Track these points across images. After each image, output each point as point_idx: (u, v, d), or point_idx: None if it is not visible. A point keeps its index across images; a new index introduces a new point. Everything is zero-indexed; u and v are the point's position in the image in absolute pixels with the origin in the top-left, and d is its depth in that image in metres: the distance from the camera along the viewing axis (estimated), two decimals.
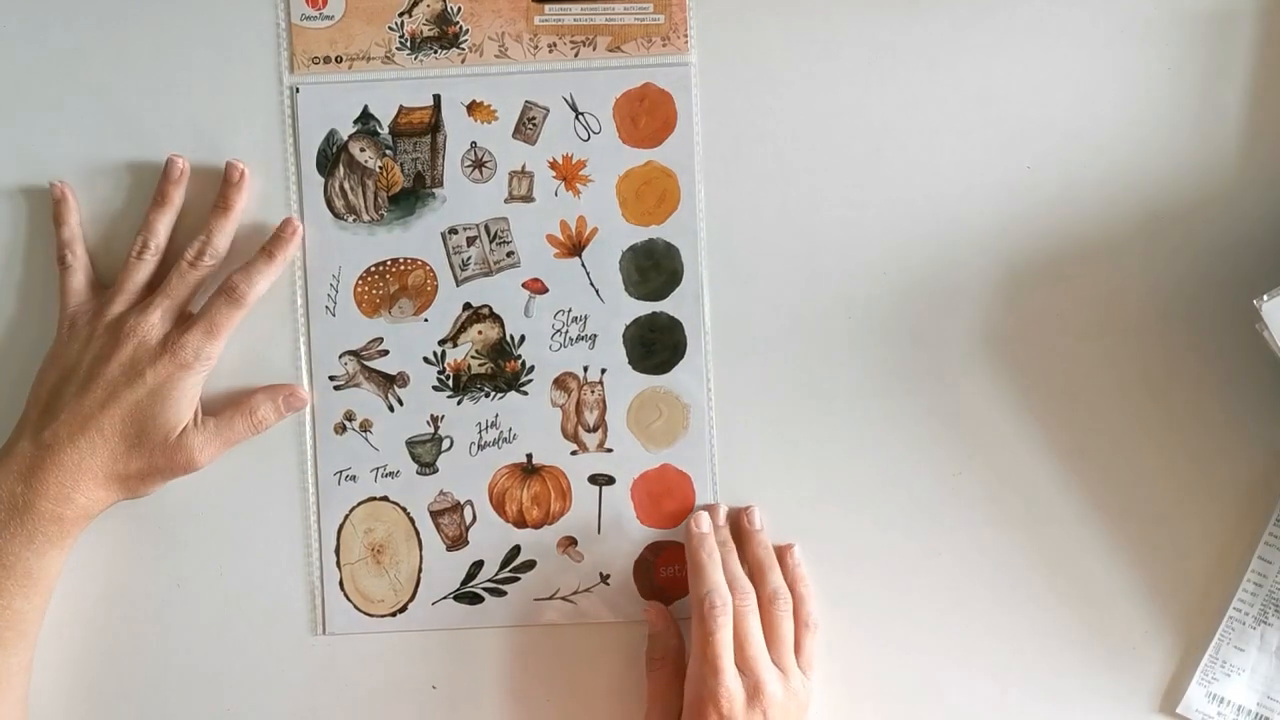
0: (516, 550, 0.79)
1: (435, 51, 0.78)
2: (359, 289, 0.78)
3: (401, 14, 0.78)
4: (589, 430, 0.79)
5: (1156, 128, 0.77)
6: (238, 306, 0.75)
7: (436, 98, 0.78)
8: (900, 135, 0.78)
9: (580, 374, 0.79)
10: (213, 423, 0.76)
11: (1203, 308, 0.78)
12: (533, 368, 0.79)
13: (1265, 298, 0.71)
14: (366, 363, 0.78)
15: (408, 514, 0.79)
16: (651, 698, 0.76)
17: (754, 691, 0.72)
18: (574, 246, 0.78)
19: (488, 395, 0.79)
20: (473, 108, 0.78)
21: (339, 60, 0.78)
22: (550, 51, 0.78)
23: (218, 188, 0.77)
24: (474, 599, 0.79)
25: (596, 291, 0.78)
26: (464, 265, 0.78)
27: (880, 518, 0.78)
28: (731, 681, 0.72)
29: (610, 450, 0.79)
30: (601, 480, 0.79)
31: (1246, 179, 0.77)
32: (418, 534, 0.79)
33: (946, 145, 0.78)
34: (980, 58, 0.78)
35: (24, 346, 0.78)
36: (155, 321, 0.74)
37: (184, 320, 0.75)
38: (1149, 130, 0.77)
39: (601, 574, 0.79)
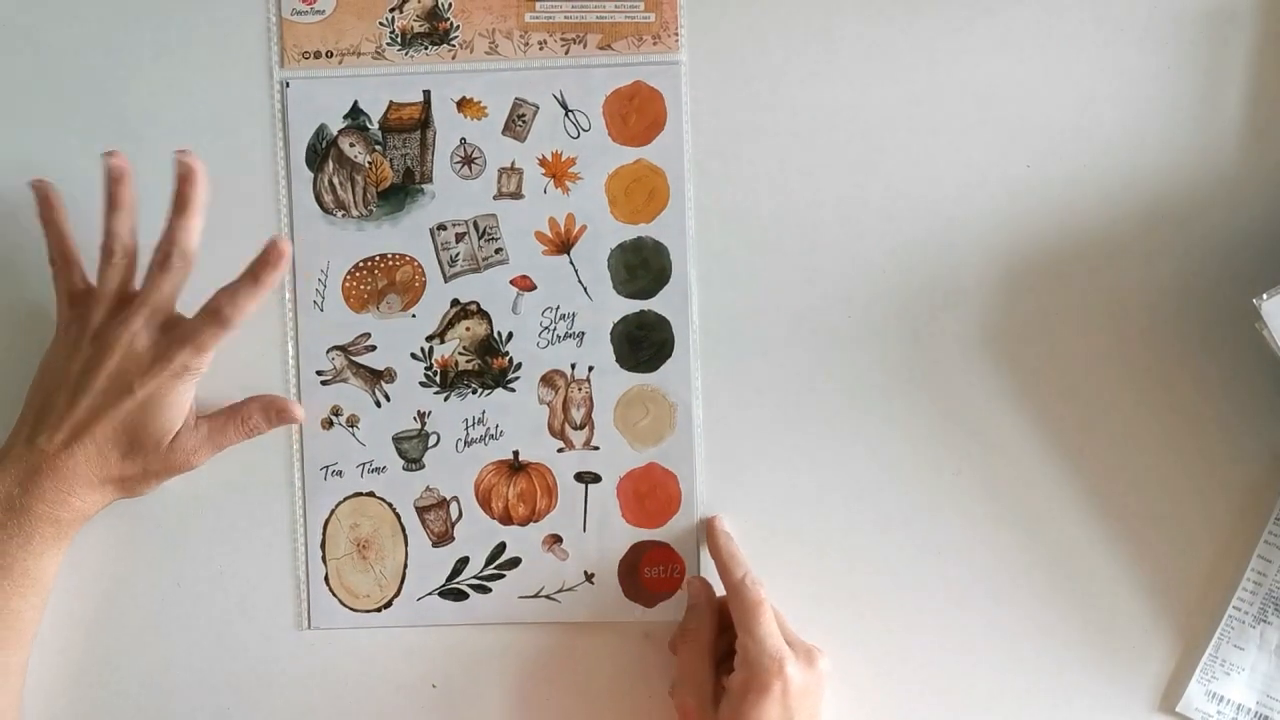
0: (502, 547, 0.78)
1: (426, 47, 0.78)
2: (347, 284, 0.78)
3: (392, 9, 0.78)
4: (576, 428, 0.78)
5: (1156, 128, 0.76)
6: (222, 328, 0.73)
7: (426, 94, 0.78)
8: (898, 134, 0.77)
9: (568, 371, 0.78)
10: (206, 427, 0.75)
11: (1202, 307, 0.76)
12: (520, 365, 0.78)
13: (1265, 296, 0.70)
14: (354, 358, 0.79)
15: (394, 509, 0.79)
16: (682, 673, 0.75)
17: (808, 658, 0.72)
18: (562, 244, 0.78)
19: (475, 392, 0.78)
20: (463, 104, 0.78)
21: (329, 55, 0.78)
22: (541, 49, 0.78)
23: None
24: (459, 595, 0.79)
25: (585, 289, 0.78)
26: (452, 261, 0.78)
27: (879, 517, 0.78)
28: (789, 650, 0.72)
29: (597, 448, 0.78)
30: (588, 478, 0.78)
31: (1246, 178, 0.76)
32: (403, 529, 0.79)
33: (946, 144, 0.77)
34: (980, 58, 0.77)
35: (25, 347, 0.78)
36: (138, 329, 0.73)
37: (171, 324, 0.74)
38: (1149, 130, 0.76)
39: (586, 573, 0.78)
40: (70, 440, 0.72)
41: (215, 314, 0.73)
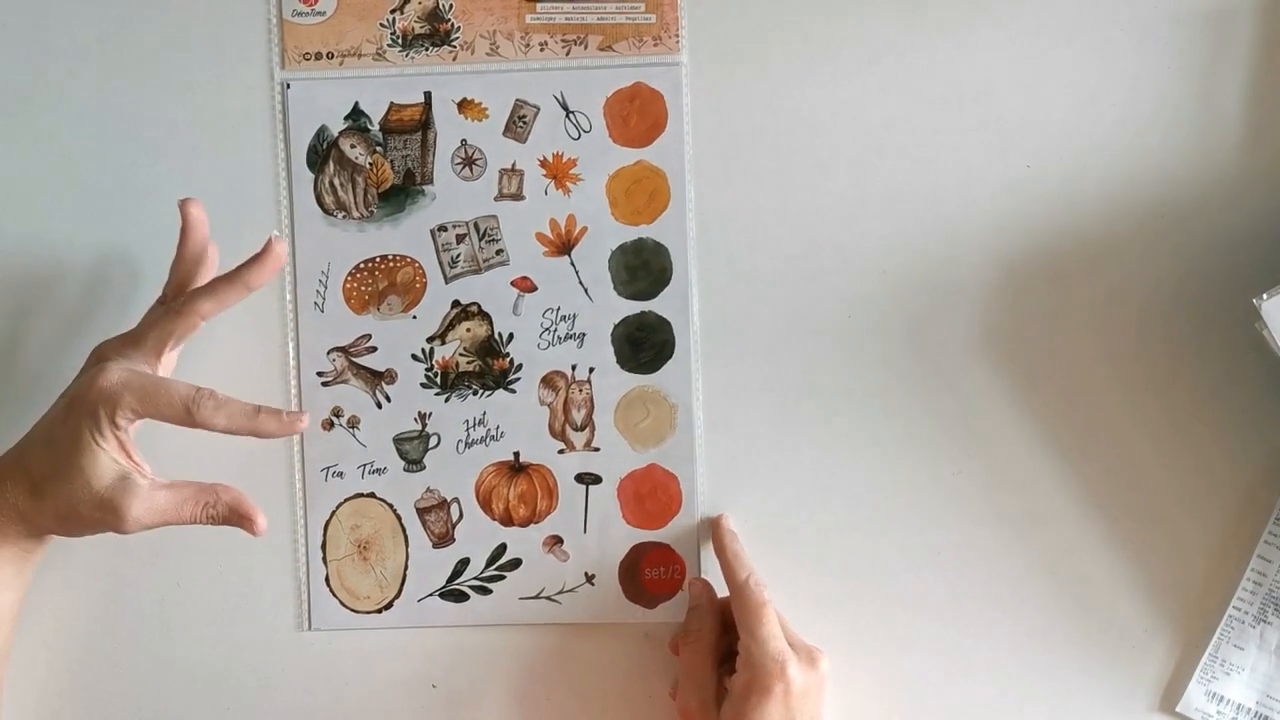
0: (502, 548, 0.78)
1: (426, 49, 0.78)
2: (348, 285, 0.78)
3: (393, 11, 0.78)
4: (576, 429, 0.78)
5: (1156, 128, 0.76)
6: (186, 415, 0.68)
7: (427, 95, 0.78)
8: (899, 134, 0.77)
9: (568, 373, 0.78)
10: (162, 495, 0.69)
11: (1202, 307, 0.76)
12: (521, 366, 0.78)
13: (1265, 296, 0.70)
14: (355, 359, 0.79)
15: (394, 510, 0.79)
16: (684, 674, 0.75)
17: (810, 659, 0.72)
18: (563, 245, 0.78)
19: (475, 393, 0.78)
20: (463, 105, 0.78)
21: (330, 56, 0.78)
22: (541, 50, 0.78)
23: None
24: (459, 596, 0.79)
25: (585, 290, 0.78)
26: (453, 263, 0.78)
27: (879, 517, 0.78)
28: (791, 651, 0.71)
29: (597, 450, 0.78)
30: (588, 479, 0.78)
31: (1246, 178, 0.76)
32: (404, 531, 0.79)
33: (946, 144, 0.77)
34: (980, 57, 0.77)
35: (20, 349, 0.78)
36: (105, 349, 0.72)
37: (126, 365, 0.70)
38: (1149, 130, 0.76)
39: (587, 574, 0.78)
40: (13, 449, 0.71)
41: (196, 400, 0.68)
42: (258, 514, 0.70)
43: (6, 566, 0.71)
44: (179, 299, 0.71)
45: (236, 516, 0.70)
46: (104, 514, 0.68)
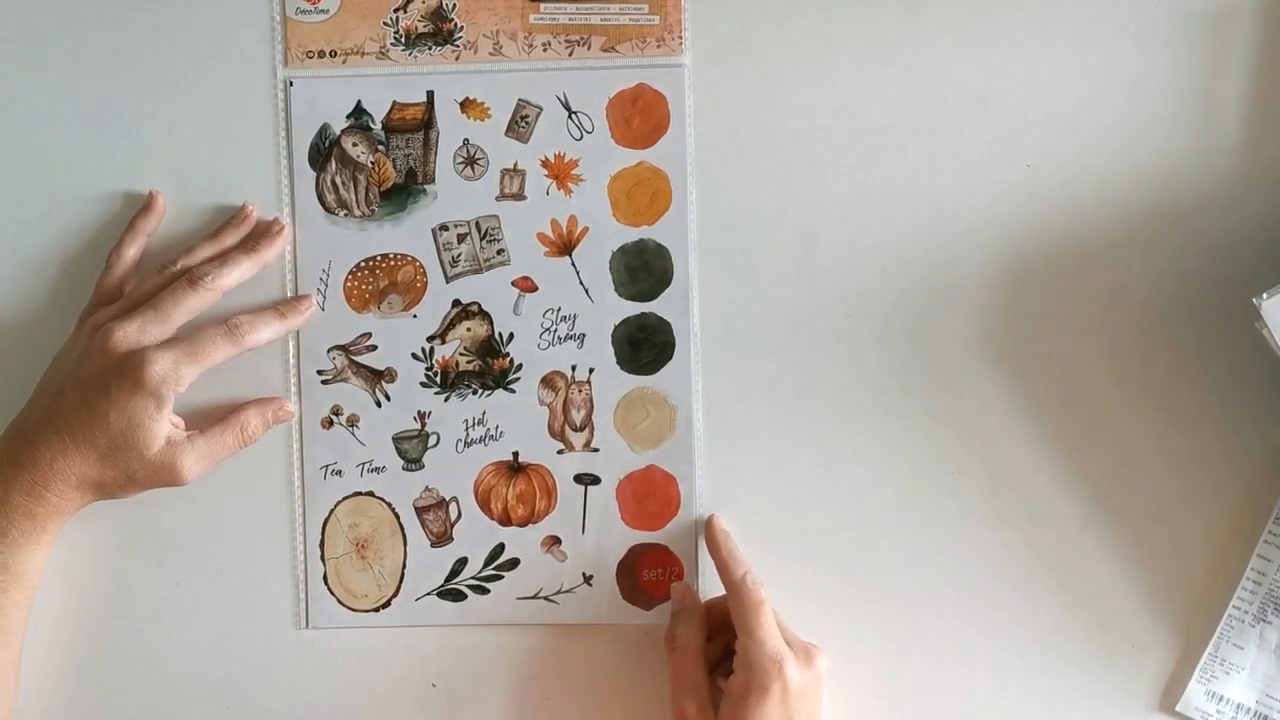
0: (500, 548, 0.78)
1: (430, 48, 0.78)
2: (349, 284, 0.79)
3: (396, 10, 0.78)
4: (576, 429, 0.78)
5: (1156, 127, 0.76)
6: (233, 345, 0.74)
7: (430, 94, 0.78)
8: (900, 135, 0.77)
9: (568, 373, 0.78)
10: (202, 441, 0.75)
11: (1202, 306, 0.76)
12: (521, 366, 0.78)
13: (1265, 296, 0.70)
14: (355, 358, 0.79)
15: (393, 509, 0.79)
16: (676, 680, 0.74)
17: (807, 658, 0.72)
18: (564, 245, 0.78)
19: (475, 392, 0.78)
20: (466, 105, 0.78)
21: (333, 55, 0.78)
22: (545, 50, 0.78)
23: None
24: (457, 596, 0.78)
25: (586, 291, 0.78)
26: (454, 262, 0.79)
27: (879, 517, 0.78)
28: (789, 650, 0.71)
29: (597, 450, 0.78)
30: (587, 480, 0.78)
31: (1246, 178, 0.76)
32: (402, 530, 0.79)
33: (946, 144, 0.77)
34: (980, 57, 0.77)
35: (27, 349, 0.79)
36: (131, 331, 0.73)
37: (166, 342, 0.74)
38: (1149, 130, 0.76)
39: (585, 575, 0.78)
40: (50, 432, 0.72)
41: (233, 329, 0.75)
42: (283, 403, 0.78)
43: (48, 533, 0.73)
44: (201, 270, 0.75)
45: (271, 418, 0.78)
46: (161, 474, 0.73)
